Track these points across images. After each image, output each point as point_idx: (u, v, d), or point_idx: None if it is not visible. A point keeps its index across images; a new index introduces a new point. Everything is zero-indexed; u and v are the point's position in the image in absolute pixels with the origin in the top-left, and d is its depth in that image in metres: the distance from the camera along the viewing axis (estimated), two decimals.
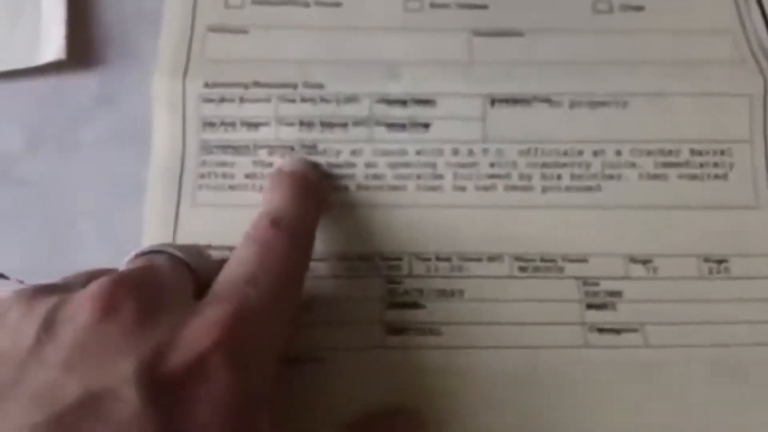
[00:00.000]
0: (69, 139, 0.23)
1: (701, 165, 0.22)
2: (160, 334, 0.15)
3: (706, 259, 0.22)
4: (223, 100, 0.22)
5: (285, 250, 0.18)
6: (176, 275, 0.17)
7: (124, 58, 0.24)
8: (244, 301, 0.16)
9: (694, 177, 0.22)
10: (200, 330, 0.15)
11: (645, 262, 0.22)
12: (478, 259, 0.21)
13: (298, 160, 0.22)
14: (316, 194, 0.21)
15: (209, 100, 0.22)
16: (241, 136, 0.22)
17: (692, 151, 0.23)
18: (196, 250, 0.19)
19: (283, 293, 0.17)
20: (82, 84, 0.23)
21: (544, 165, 0.22)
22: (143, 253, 0.18)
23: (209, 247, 0.21)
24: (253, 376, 0.15)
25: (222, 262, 0.18)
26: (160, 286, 0.16)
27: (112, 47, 0.24)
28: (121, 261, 0.18)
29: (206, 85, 0.23)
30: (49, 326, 0.14)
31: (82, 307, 0.15)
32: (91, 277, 0.17)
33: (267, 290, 0.16)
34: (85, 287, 0.15)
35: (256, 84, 0.23)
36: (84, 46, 0.24)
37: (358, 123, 0.22)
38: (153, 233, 0.21)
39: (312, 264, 0.20)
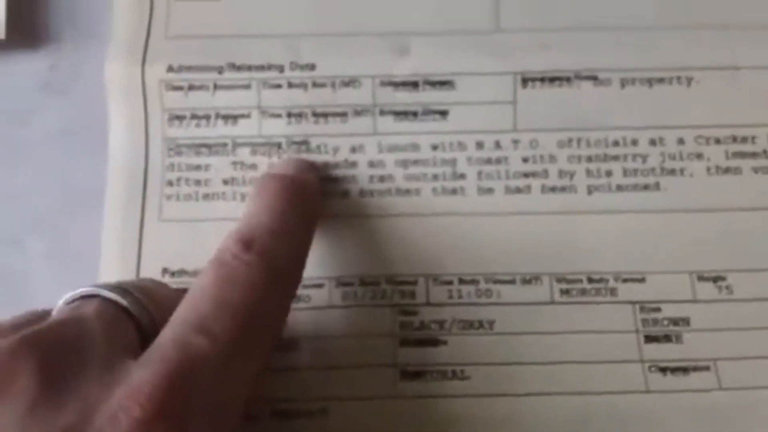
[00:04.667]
0: (11, 137, 0.22)
1: None
2: (69, 413, 0.13)
3: None
4: (192, 87, 0.21)
5: (256, 280, 0.16)
6: (106, 327, 0.15)
7: (78, 36, 0.22)
8: (187, 357, 0.14)
9: None
10: (120, 405, 0.13)
11: (716, 279, 0.20)
12: (511, 281, 0.20)
13: (292, 160, 0.20)
14: (312, 206, 0.19)
15: (175, 88, 0.21)
16: (217, 131, 0.21)
17: None
18: (149, 288, 0.17)
19: (250, 338, 0.15)
20: (26, 69, 0.22)
21: (590, 159, 0.21)
22: (73, 300, 0.16)
23: (182, 273, 0.20)
24: None
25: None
26: (77, 347, 0.14)
27: (62, 24, 0.22)
28: (77, 286, 0.16)
29: (170, 68, 0.21)
30: None
31: None
32: (16, 326, 0.15)
33: (225, 338, 0.14)
34: None
35: (233, 66, 0.21)
36: (29, 23, 0.22)
37: (358, 112, 0.21)
38: (112, 254, 0.20)
39: (302, 291, 0.19)
